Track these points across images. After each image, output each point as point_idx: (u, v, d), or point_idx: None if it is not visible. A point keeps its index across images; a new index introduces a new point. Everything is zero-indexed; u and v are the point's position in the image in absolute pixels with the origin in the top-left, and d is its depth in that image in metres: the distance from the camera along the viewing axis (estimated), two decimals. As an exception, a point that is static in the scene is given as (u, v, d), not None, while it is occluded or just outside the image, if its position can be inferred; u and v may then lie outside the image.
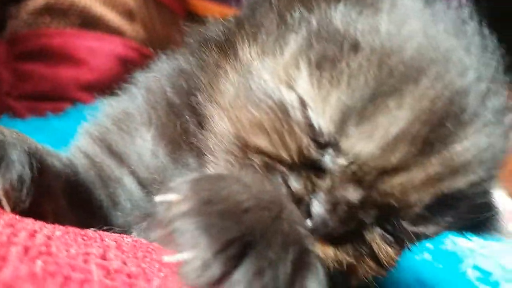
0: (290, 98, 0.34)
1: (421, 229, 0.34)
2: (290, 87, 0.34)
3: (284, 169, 0.33)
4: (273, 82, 0.35)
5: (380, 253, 0.34)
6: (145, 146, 0.42)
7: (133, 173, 0.43)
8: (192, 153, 0.40)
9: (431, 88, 0.32)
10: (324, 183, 0.32)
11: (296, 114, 0.33)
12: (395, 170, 0.31)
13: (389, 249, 0.34)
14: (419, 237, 0.34)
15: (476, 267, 0.31)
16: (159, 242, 0.27)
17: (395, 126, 0.31)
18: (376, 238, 0.34)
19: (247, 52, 0.38)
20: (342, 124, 0.32)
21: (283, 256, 0.24)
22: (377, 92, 0.31)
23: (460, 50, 0.35)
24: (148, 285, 0.26)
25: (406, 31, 0.34)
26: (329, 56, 0.33)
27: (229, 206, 0.24)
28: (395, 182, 0.32)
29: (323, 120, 0.32)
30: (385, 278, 0.35)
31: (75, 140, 0.47)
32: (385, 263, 0.34)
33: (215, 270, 0.22)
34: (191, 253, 0.22)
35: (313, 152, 0.33)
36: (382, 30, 0.34)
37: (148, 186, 0.42)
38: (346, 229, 0.32)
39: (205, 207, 0.24)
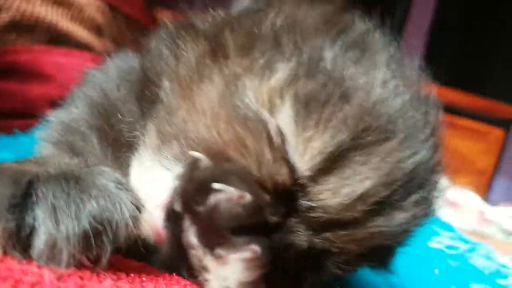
0: (271, 124, 0.33)
1: (344, 271, 0.35)
2: (272, 113, 0.33)
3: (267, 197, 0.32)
4: (256, 104, 0.34)
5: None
6: (93, 149, 0.42)
7: None
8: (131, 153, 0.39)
9: (400, 151, 0.33)
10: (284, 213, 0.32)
11: (278, 141, 0.33)
12: (346, 224, 0.32)
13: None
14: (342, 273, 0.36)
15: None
16: None
17: (361, 186, 0.32)
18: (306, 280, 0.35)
19: (236, 63, 0.36)
20: (317, 170, 0.32)
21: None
22: (352, 148, 0.32)
23: (421, 124, 0.37)
24: (100, 285, 0.26)
25: (394, 92, 0.35)
26: (317, 98, 0.33)
27: None
28: (341, 234, 0.33)
29: (301, 160, 0.32)
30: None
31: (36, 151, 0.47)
32: None
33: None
34: None
35: (289, 184, 0.32)
36: (374, 84, 0.34)
37: None
38: (290, 258, 0.32)
39: None
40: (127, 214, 0.29)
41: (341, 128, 0.32)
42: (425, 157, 0.35)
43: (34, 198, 0.27)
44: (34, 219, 0.26)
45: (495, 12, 2.77)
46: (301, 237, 0.32)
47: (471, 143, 2.36)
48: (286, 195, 0.32)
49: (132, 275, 0.30)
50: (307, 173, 0.32)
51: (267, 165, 0.32)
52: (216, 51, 0.37)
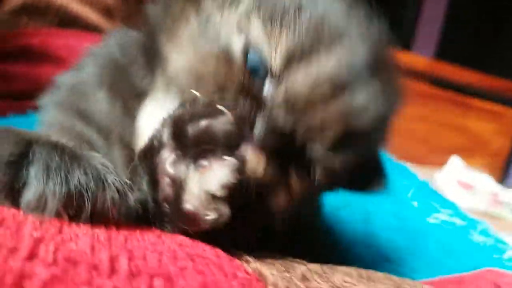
0: (236, 40, 0.40)
1: (329, 162, 0.41)
2: (242, 33, 0.41)
3: (230, 97, 0.39)
4: (226, 31, 0.41)
5: (293, 185, 0.41)
6: (100, 105, 0.47)
7: (99, 131, 0.47)
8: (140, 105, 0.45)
9: (349, 50, 0.40)
10: (264, 109, 0.39)
11: (239, 56, 0.40)
12: (317, 104, 0.39)
13: (299, 183, 0.41)
14: (327, 170, 0.42)
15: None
16: None
17: (324, 71, 0.39)
18: (293, 172, 0.41)
19: (209, 3, 0.43)
20: (288, 61, 0.39)
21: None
22: (315, 43, 0.39)
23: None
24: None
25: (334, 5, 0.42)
26: (278, 13, 0.40)
27: None
28: (316, 115, 0.39)
29: (275, 56, 0.39)
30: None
31: (42, 115, 0.51)
32: (294, 194, 0.42)
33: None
34: None
35: (253, 86, 0.40)
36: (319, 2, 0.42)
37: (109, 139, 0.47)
38: (279, 144, 0.39)
39: None
40: (107, 194, 0.33)
41: (301, 30, 0.39)
42: (378, 47, 0.42)
43: (30, 158, 0.32)
44: (27, 175, 0.31)
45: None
46: (283, 120, 0.38)
47: (486, 124, 2.33)
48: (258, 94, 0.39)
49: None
50: (280, 64, 0.39)
51: (233, 78, 0.40)
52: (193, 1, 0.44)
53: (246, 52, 0.40)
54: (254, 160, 0.37)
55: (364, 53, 0.41)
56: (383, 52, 0.44)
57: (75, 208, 0.31)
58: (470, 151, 2.29)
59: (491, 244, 0.72)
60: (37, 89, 0.97)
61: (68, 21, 1.02)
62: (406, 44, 3.02)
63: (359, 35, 0.41)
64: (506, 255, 0.70)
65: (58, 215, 0.30)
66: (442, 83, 2.29)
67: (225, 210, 0.34)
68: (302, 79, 0.39)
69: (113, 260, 0.27)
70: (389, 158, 1.05)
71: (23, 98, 0.96)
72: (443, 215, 0.80)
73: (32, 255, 0.24)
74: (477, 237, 0.75)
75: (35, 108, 0.90)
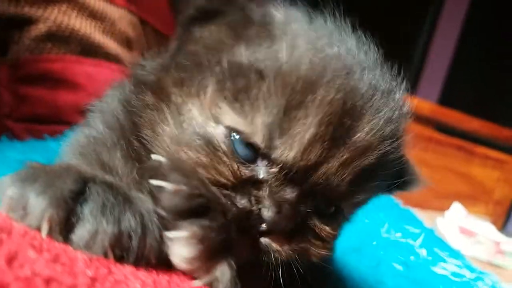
0: (217, 132, 0.41)
1: (351, 200, 0.45)
2: (217, 122, 0.41)
3: (228, 192, 0.40)
4: (201, 121, 0.42)
5: (322, 232, 0.44)
6: (120, 162, 0.47)
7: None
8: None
9: (326, 95, 0.39)
10: (265, 192, 0.40)
11: (222, 145, 0.41)
12: (316, 165, 0.40)
13: (326, 227, 0.44)
14: (354, 206, 0.46)
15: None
16: None
17: (307, 132, 0.39)
18: (316, 222, 0.44)
19: (177, 95, 0.44)
20: (269, 139, 0.40)
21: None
22: (288, 107, 0.39)
23: (342, 55, 0.43)
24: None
25: (298, 51, 0.42)
26: (242, 88, 0.41)
27: None
28: (319, 173, 0.40)
29: (256, 139, 0.40)
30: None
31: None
32: (327, 239, 0.45)
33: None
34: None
35: (245, 171, 0.41)
36: (279, 56, 0.41)
37: None
38: (294, 223, 0.41)
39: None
40: (153, 235, 0.34)
41: (269, 98, 0.39)
42: (354, 85, 0.41)
43: (86, 195, 0.33)
44: (81, 212, 0.32)
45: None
46: (289, 193, 0.40)
47: (490, 171, 2.34)
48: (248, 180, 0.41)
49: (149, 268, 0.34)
50: (263, 145, 0.40)
51: (224, 169, 0.40)
52: (160, 96, 0.45)
53: (228, 141, 0.41)
54: (276, 247, 0.41)
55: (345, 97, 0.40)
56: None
57: (121, 249, 0.32)
58: (473, 197, 2.29)
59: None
60: (54, 114, 0.99)
61: (90, 50, 1.04)
62: (411, 88, 3.06)
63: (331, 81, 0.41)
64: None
65: (105, 254, 0.31)
66: (447, 129, 2.31)
67: None
68: (289, 150, 0.39)
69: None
70: (396, 203, 1.06)
71: (40, 122, 0.97)
72: (451, 266, 0.80)
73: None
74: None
75: (51, 133, 0.92)
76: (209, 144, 0.41)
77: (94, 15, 1.05)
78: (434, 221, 1.89)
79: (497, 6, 2.99)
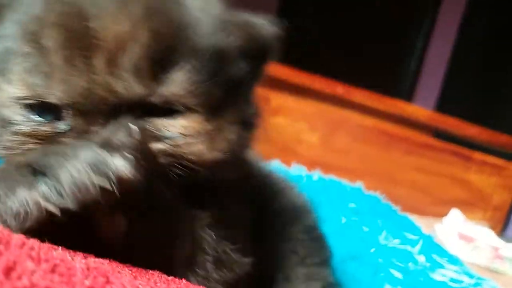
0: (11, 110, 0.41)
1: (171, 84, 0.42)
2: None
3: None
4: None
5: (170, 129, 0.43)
6: None
7: None
8: None
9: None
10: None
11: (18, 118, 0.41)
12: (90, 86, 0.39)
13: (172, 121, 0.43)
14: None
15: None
16: None
17: (56, 68, 0.39)
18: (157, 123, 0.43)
19: None
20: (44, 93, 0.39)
21: None
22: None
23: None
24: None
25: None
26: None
27: None
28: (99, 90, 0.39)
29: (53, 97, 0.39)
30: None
31: None
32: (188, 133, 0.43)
33: None
34: None
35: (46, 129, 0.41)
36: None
37: None
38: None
39: None
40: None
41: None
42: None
43: None
44: None
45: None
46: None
47: (487, 177, 2.34)
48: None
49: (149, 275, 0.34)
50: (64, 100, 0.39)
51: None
52: None
53: (24, 111, 0.41)
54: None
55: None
56: None
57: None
58: (471, 203, 2.30)
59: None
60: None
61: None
62: (408, 95, 3.09)
63: None
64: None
65: None
66: (444, 135, 2.32)
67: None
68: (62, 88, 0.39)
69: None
70: (394, 210, 1.06)
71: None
72: (450, 272, 0.80)
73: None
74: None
75: None
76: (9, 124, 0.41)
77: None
78: (432, 227, 1.89)
79: (493, 13, 3.02)
